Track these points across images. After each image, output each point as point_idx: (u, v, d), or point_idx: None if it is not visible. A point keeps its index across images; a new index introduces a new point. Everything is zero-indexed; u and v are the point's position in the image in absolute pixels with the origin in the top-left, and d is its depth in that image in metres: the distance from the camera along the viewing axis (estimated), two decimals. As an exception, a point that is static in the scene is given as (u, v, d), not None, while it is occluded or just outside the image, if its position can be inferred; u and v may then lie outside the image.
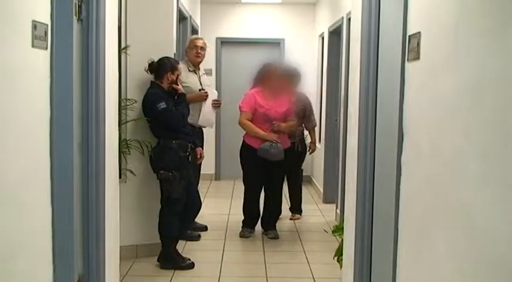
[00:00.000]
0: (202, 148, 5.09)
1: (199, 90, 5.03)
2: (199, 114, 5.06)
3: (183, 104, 4.42)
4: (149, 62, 4.39)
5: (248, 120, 5.17)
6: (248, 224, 5.38)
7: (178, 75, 4.43)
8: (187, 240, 5.09)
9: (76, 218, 2.60)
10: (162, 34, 4.66)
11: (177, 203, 4.32)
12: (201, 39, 5.32)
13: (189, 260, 4.40)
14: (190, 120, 4.66)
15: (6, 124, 1.94)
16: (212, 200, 6.94)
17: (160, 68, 4.36)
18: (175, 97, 4.41)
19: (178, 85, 4.44)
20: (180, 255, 4.44)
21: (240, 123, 5.21)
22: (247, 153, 5.19)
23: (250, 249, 4.98)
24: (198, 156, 4.85)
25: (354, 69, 3.32)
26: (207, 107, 5.11)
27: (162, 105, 4.22)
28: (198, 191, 4.91)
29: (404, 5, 2.37)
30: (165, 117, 4.26)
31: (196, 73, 5.18)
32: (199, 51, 5.18)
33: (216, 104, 5.26)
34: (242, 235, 5.30)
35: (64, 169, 2.42)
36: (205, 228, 5.44)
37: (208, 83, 5.42)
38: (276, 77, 5.18)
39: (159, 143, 4.35)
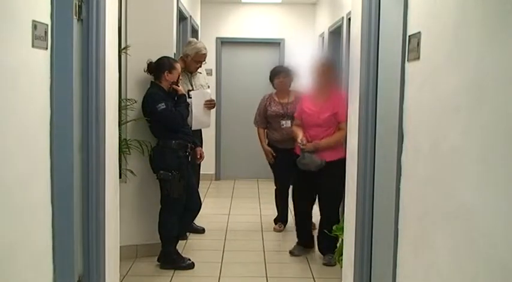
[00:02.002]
0: (201, 148, 5.07)
1: (188, 91, 4.81)
2: (192, 118, 4.78)
3: (183, 105, 4.42)
4: (148, 62, 4.39)
5: (297, 125, 4.77)
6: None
7: (179, 76, 4.42)
8: (192, 232, 5.17)
9: (76, 218, 2.60)
10: (162, 34, 4.66)
11: (176, 203, 4.32)
12: (206, 51, 5.13)
13: (189, 260, 4.40)
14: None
15: (6, 124, 1.94)
16: (212, 200, 6.94)
17: (159, 67, 4.36)
18: (176, 98, 4.41)
19: (178, 86, 4.44)
20: (180, 255, 4.44)
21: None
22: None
23: (250, 249, 4.97)
24: (198, 156, 4.83)
25: (354, 69, 3.32)
26: (198, 110, 4.84)
27: (162, 105, 4.22)
28: (198, 192, 4.91)
29: (404, 5, 2.37)
30: (165, 117, 4.26)
31: (186, 74, 5.01)
32: (201, 65, 5.12)
33: (209, 105, 4.98)
34: (293, 254, 4.79)
35: (64, 169, 2.42)
36: (202, 231, 5.42)
37: (203, 83, 5.21)
38: (317, 73, 4.65)
39: (158, 143, 4.35)
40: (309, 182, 4.63)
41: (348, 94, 3.56)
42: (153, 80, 4.40)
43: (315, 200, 4.81)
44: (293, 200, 4.90)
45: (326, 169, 4.43)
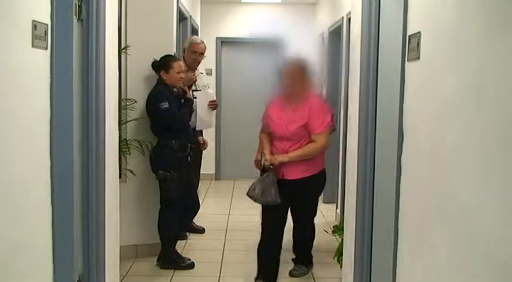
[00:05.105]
0: (201, 151, 5.12)
1: (193, 91, 4.81)
2: (196, 119, 4.82)
3: (186, 109, 4.40)
4: (153, 60, 4.39)
5: (265, 133, 3.98)
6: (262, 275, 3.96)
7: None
8: (192, 232, 5.16)
9: (76, 218, 2.60)
10: (162, 34, 4.66)
11: (176, 203, 4.32)
12: (202, 43, 5.14)
13: (189, 260, 4.40)
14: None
15: (6, 124, 1.94)
16: (212, 200, 6.94)
17: (158, 66, 4.37)
18: (182, 100, 4.41)
19: (192, 87, 4.44)
20: (180, 255, 4.44)
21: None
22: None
23: (250, 249, 4.96)
24: (202, 143, 4.82)
25: (354, 69, 3.31)
26: (202, 110, 4.88)
27: (165, 104, 4.20)
28: (197, 194, 4.90)
29: (404, 5, 2.37)
30: (166, 117, 4.25)
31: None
32: (198, 57, 5.10)
33: (213, 105, 5.01)
34: None
35: (64, 169, 2.42)
36: (202, 231, 5.42)
37: (205, 83, 5.24)
38: (283, 74, 3.89)
39: (159, 143, 4.34)
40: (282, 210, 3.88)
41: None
42: (158, 78, 4.40)
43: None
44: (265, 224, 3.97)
45: (300, 187, 3.82)
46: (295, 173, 3.79)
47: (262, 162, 3.87)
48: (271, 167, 3.72)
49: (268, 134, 3.93)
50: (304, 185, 3.83)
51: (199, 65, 5.19)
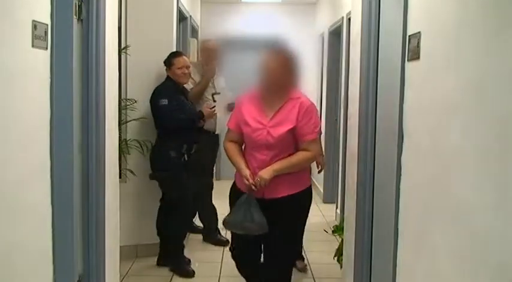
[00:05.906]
0: (216, 155, 5.15)
1: (212, 94, 4.77)
2: (215, 122, 4.81)
3: (189, 116, 4.34)
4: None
5: (233, 142, 3.17)
6: None
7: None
8: (192, 232, 5.15)
9: (76, 218, 2.60)
10: (162, 34, 4.66)
11: (178, 203, 4.31)
12: (213, 40, 5.10)
13: (189, 260, 4.40)
14: (206, 126, 4.60)
15: (6, 124, 1.94)
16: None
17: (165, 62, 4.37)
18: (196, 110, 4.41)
19: (213, 109, 4.43)
20: (183, 257, 4.43)
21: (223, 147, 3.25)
22: (233, 198, 3.13)
23: (250, 249, 4.97)
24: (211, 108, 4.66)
25: (354, 69, 3.31)
26: (220, 113, 4.79)
27: (164, 101, 4.16)
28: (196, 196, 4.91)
29: (404, 5, 2.38)
30: (162, 113, 4.19)
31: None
32: (211, 54, 5.01)
33: (230, 108, 4.82)
34: None
35: (64, 169, 2.42)
36: (202, 230, 5.40)
37: (223, 85, 5.14)
38: (262, 65, 3.08)
39: (156, 141, 4.33)
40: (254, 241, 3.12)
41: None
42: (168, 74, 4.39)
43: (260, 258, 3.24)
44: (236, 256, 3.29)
45: (285, 204, 3.00)
46: (279, 190, 2.98)
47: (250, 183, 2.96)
48: (254, 189, 2.94)
49: (236, 144, 3.16)
50: (286, 205, 3.00)
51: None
